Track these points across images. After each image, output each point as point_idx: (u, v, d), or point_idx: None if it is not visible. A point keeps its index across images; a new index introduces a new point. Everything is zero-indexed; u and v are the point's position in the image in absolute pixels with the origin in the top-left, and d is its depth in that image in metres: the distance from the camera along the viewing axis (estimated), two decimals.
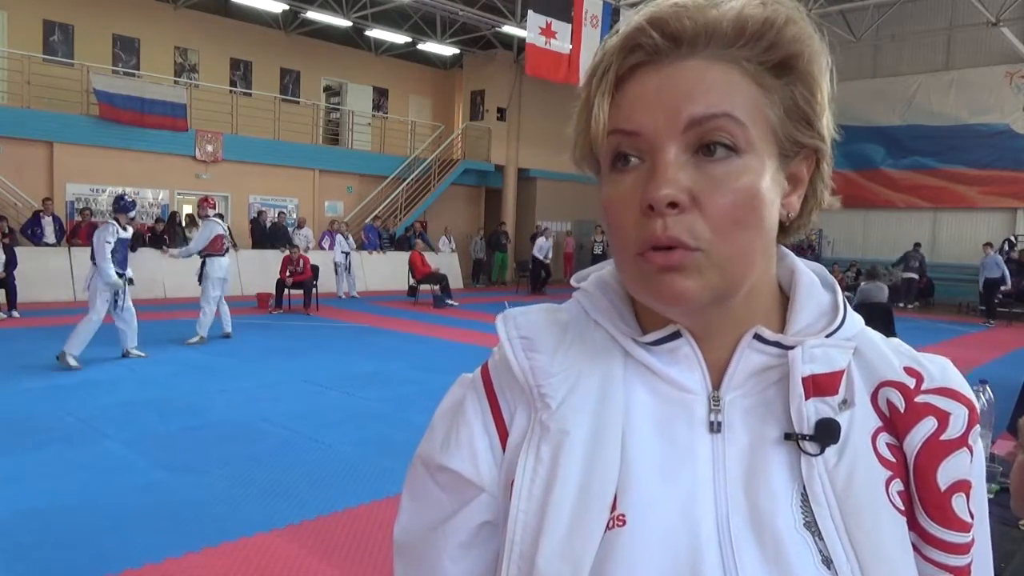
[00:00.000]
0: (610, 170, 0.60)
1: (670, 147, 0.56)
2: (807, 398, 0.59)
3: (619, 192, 0.58)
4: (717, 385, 0.62)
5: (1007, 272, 15.17)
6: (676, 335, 0.61)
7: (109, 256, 7.70)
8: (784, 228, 0.63)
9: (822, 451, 0.58)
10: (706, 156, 0.56)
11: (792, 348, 0.60)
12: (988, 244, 15.83)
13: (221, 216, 10.42)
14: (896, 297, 17.73)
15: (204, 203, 10.02)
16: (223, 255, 9.51)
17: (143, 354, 8.30)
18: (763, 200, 0.57)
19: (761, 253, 0.59)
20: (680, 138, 0.56)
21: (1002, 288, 15.35)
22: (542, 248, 18.48)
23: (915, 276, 17.88)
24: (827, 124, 0.61)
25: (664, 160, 0.55)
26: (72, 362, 7.51)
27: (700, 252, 0.55)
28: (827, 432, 0.58)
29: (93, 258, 7.81)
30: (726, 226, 0.55)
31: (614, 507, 0.58)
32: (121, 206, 8.11)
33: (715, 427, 0.60)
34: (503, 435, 0.65)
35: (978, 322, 15.24)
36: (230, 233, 12.77)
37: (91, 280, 7.84)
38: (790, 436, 0.59)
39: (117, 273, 7.78)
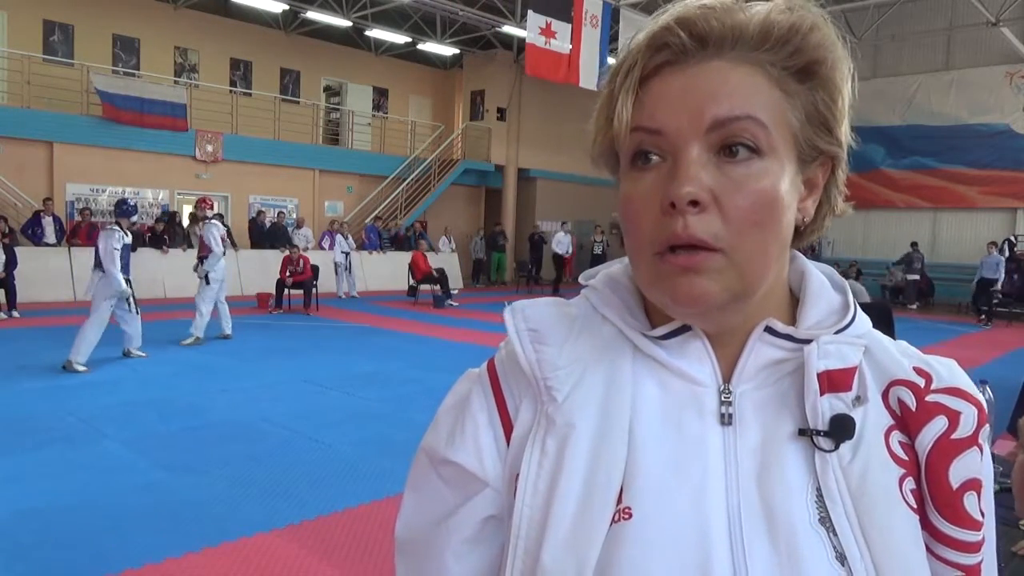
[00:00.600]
0: (630, 167, 0.60)
1: (693, 146, 0.56)
2: (822, 394, 0.59)
3: (639, 190, 0.59)
4: (728, 378, 0.62)
5: (1003, 275, 15.07)
6: (686, 328, 0.62)
7: (119, 262, 7.60)
8: (798, 232, 0.63)
9: (836, 447, 0.58)
10: (728, 157, 0.56)
11: (804, 342, 0.61)
12: (992, 243, 15.67)
13: (221, 216, 10.35)
14: (896, 298, 17.74)
15: (203, 204, 10.00)
16: (223, 255, 9.53)
17: (144, 354, 8.29)
18: (782, 203, 0.57)
19: (777, 256, 0.59)
20: (703, 138, 0.56)
21: (992, 289, 15.17)
22: (561, 243, 18.33)
23: (917, 277, 17.86)
24: (845, 131, 0.61)
25: (687, 159, 0.56)
26: (80, 368, 7.47)
27: (720, 253, 0.56)
28: (842, 428, 0.58)
29: (99, 264, 7.70)
30: (745, 227, 0.56)
31: (620, 500, 0.58)
32: (124, 210, 8.05)
33: (726, 419, 0.60)
34: (508, 429, 0.65)
35: (976, 322, 15.19)
36: (229, 233, 12.79)
37: (94, 285, 7.75)
38: (804, 432, 0.59)
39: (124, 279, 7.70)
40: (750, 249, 0.56)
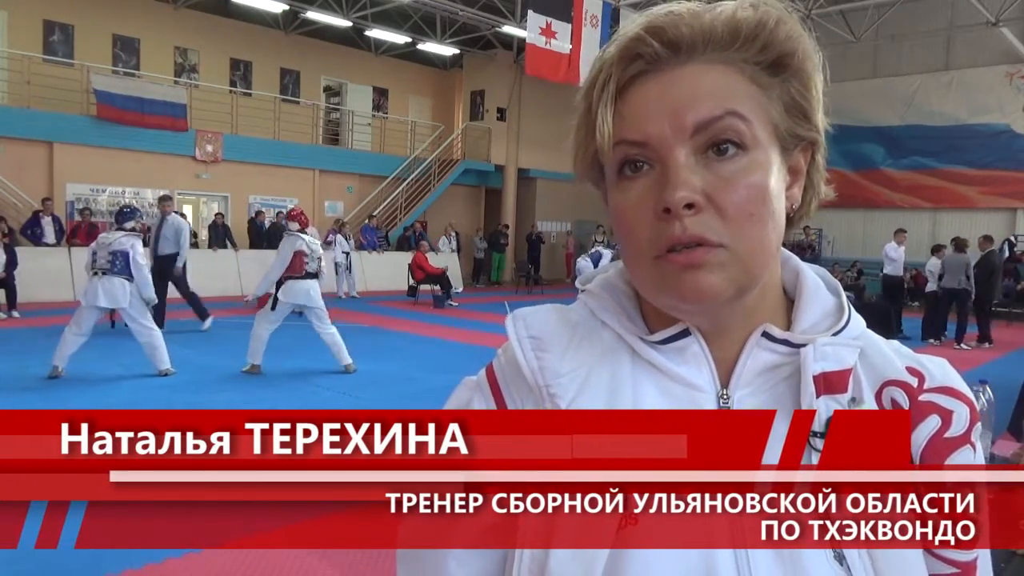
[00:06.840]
0: (618, 178, 0.60)
1: (679, 151, 0.57)
2: (818, 395, 0.60)
3: (630, 199, 0.59)
4: (726, 383, 0.62)
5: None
6: (684, 333, 0.62)
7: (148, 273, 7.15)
8: (788, 220, 0.64)
9: None
10: (716, 156, 0.57)
11: (800, 346, 0.61)
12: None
13: (303, 228, 8.23)
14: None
15: (291, 216, 8.52)
16: (303, 277, 7.86)
17: (174, 371, 7.64)
18: (773, 194, 0.59)
19: (776, 246, 0.60)
20: (688, 142, 0.57)
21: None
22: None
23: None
24: (821, 116, 0.63)
25: (675, 164, 0.57)
26: (58, 370, 7.06)
27: (722, 248, 0.56)
28: None
29: (125, 273, 7.13)
30: (742, 220, 0.57)
31: (626, 507, 0.59)
32: (127, 214, 7.52)
33: None
34: None
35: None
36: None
37: (129, 295, 7.19)
38: None
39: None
40: (750, 242, 0.57)
